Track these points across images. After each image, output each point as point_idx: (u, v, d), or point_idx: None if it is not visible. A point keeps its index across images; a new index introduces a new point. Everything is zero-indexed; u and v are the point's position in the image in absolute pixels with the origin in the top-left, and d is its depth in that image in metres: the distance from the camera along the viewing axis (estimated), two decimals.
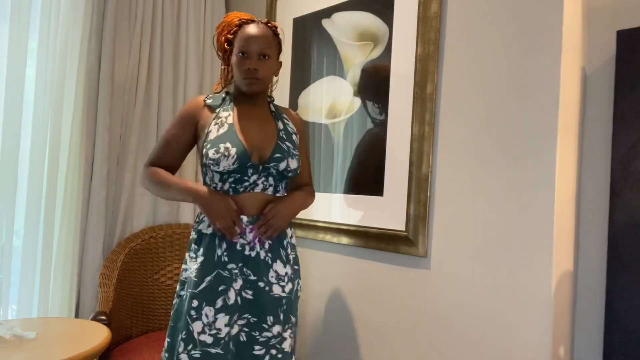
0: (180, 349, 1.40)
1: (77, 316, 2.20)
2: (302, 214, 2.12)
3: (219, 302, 1.41)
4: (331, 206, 2.01)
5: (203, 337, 1.40)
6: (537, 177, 1.43)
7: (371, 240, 1.84)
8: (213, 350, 1.39)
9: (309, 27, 2.15)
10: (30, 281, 2.05)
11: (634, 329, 1.39)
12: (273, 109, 1.62)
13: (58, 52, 2.10)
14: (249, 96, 1.56)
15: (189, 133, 1.55)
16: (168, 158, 1.56)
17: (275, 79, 1.65)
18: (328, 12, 2.06)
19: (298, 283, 1.56)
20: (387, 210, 1.80)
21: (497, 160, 1.52)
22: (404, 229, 1.74)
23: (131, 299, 2.20)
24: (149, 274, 2.30)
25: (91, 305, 2.21)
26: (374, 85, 1.88)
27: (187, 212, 2.50)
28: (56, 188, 2.10)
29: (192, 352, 1.39)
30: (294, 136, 1.59)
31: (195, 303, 1.42)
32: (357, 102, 1.93)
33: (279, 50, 1.58)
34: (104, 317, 1.83)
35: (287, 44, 2.27)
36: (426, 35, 1.70)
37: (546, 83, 1.42)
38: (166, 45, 2.42)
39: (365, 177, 1.87)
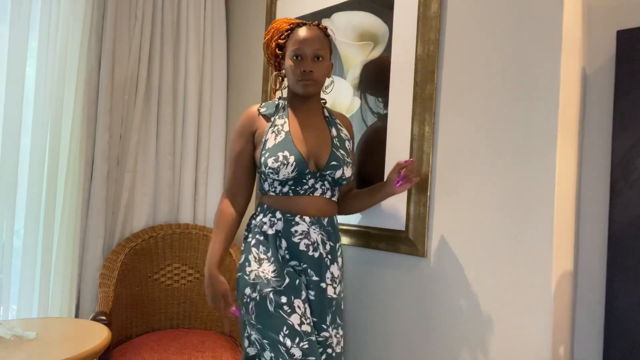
0: (289, 344, 1.39)
1: (77, 316, 2.20)
2: None
3: (303, 294, 1.47)
4: None
5: (304, 328, 1.42)
6: (537, 177, 1.43)
7: (371, 240, 1.84)
8: (313, 338, 1.43)
9: None
10: (30, 281, 2.05)
11: (634, 329, 1.39)
12: (327, 114, 1.64)
13: (58, 52, 2.10)
14: (304, 101, 1.58)
15: (251, 144, 1.58)
16: (241, 175, 1.59)
17: (329, 80, 1.64)
18: (328, 12, 2.06)
19: (343, 285, 1.62)
20: (387, 210, 1.80)
21: (497, 160, 1.52)
22: (404, 229, 1.74)
23: (131, 299, 2.21)
24: (149, 274, 2.30)
25: (91, 305, 2.21)
26: (374, 82, 1.88)
27: (187, 212, 2.50)
28: (56, 188, 2.11)
29: (301, 344, 1.40)
30: (347, 143, 1.61)
31: (284, 299, 1.43)
32: (357, 102, 1.93)
33: (331, 51, 1.60)
34: (104, 317, 1.83)
35: None
36: (426, 35, 1.70)
37: (546, 83, 1.42)
38: (166, 45, 2.42)
39: (366, 177, 1.87)
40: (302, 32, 1.52)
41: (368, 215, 1.86)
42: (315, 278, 1.50)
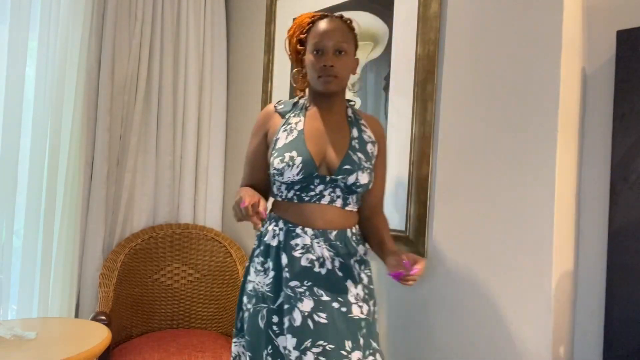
0: None
1: (77, 316, 2.20)
2: None
3: (286, 322, 1.30)
4: None
5: (287, 352, 1.30)
6: (537, 177, 1.43)
7: None
8: None
9: None
10: (30, 281, 2.05)
11: (634, 329, 1.39)
12: (350, 113, 1.47)
13: (58, 52, 2.10)
14: (325, 99, 1.43)
15: (264, 144, 1.47)
16: (256, 174, 1.48)
17: (355, 77, 1.52)
18: (328, 13, 2.06)
19: (374, 304, 1.41)
20: (387, 210, 1.79)
21: (497, 160, 1.52)
22: (404, 229, 1.74)
23: (131, 299, 2.21)
24: (149, 274, 2.30)
25: (91, 305, 2.21)
26: (374, 82, 1.88)
27: (187, 212, 2.50)
28: (56, 188, 2.11)
29: None
30: (369, 146, 1.43)
31: (275, 319, 1.33)
32: (358, 102, 1.93)
33: (356, 45, 1.45)
34: (104, 317, 1.83)
35: None
36: (426, 35, 1.69)
37: (546, 83, 1.42)
38: (166, 45, 2.42)
39: None
40: (323, 24, 1.39)
41: None
42: (325, 298, 1.30)
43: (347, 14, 1.97)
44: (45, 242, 2.08)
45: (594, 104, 1.57)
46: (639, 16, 1.48)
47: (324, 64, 1.34)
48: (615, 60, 1.48)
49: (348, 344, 1.27)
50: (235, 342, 1.46)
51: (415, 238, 1.69)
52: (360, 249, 1.43)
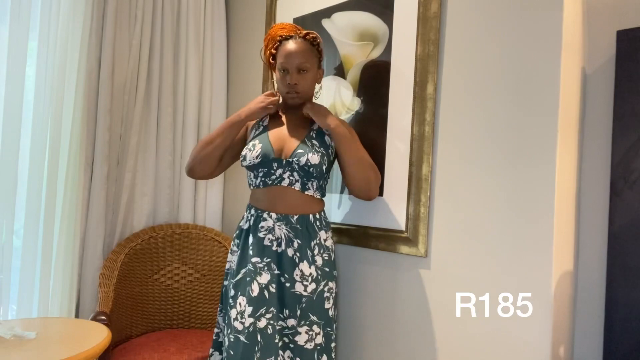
0: (227, 331, 1.57)
1: (77, 316, 2.20)
2: None
3: (247, 293, 1.54)
4: (331, 206, 2.01)
5: (235, 324, 1.52)
6: (537, 177, 1.43)
7: (371, 240, 1.84)
8: (241, 337, 1.50)
9: (309, 27, 2.14)
10: (30, 281, 2.05)
11: (634, 329, 1.39)
12: None
13: (58, 52, 2.10)
14: (292, 105, 1.71)
15: (243, 137, 1.80)
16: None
17: (318, 86, 1.78)
18: (328, 12, 2.06)
19: (326, 284, 1.62)
20: (387, 210, 1.80)
21: (497, 160, 1.52)
22: (404, 229, 1.74)
23: (131, 299, 2.20)
24: (149, 274, 2.30)
25: (91, 305, 2.21)
26: (374, 82, 1.88)
27: (187, 212, 2.50)
28: (56, 188, 2.10)
29: (230, 335, 1.54)
30: (327, 137, 1.69)
31: (232, 292, 1.58)
32: (357, 101, 1.93)
33: (319, 59, 1.71)
34: (104, 317, 1.83)
35: None
36: (426, 35, 1.70)
37: (546, 83, 1.42)
38: (166, 45, 2.42)
39: None
40: (288, 46, 1.63)
41: (368, 215, 1.86)
42: (276, 272, 1.57)
43: (347, 14, 1.98)
44: (45, 242, 2.07)
45: (594, 104, 1.57)
46: (639, 16, 1.48)
47: (289, 82, 1.62)
48: (615, 60, 1.48)
49: (285, 312, 1.57)
50: (222, 314, 1.73)
51: (415, 238, 1.69)
52: (322, 234, 1.66)
